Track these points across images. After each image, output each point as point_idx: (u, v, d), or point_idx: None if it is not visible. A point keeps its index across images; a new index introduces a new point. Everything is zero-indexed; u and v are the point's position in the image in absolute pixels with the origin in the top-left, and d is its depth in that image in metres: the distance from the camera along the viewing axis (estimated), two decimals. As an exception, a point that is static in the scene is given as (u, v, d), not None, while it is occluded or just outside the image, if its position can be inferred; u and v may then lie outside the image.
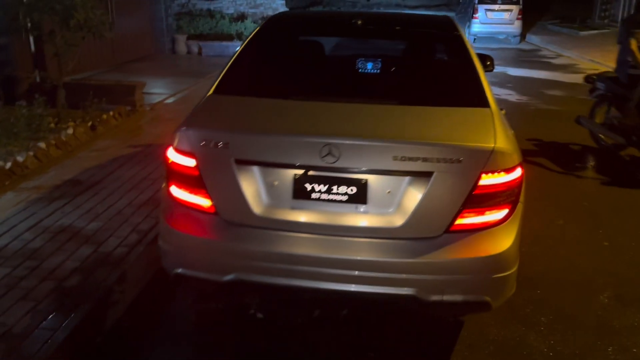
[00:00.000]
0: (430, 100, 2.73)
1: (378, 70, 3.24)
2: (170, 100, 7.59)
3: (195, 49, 12.06)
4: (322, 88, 2.98)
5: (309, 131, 2.40)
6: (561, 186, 5.12)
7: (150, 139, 5.70)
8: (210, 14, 16.28)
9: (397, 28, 3.58)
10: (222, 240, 2.41)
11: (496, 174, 2.28)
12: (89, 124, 5.70)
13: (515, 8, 16.63)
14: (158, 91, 8.01)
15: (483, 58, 3.62)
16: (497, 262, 2.34)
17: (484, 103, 2.66)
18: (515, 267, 2.41)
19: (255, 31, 3.32)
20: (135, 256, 3.27)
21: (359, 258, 2.31)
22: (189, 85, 8.55)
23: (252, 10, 17.71)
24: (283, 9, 18.95)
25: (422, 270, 2.30)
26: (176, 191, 2.50)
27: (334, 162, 2.27)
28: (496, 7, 16.79)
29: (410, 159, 2.26)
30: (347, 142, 2.29)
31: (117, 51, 9.85)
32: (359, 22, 3.33)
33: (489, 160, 2.26)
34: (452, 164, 2.25)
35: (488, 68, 3.78)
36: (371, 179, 2.33)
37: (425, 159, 2.26)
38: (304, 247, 2.36)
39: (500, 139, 2.34)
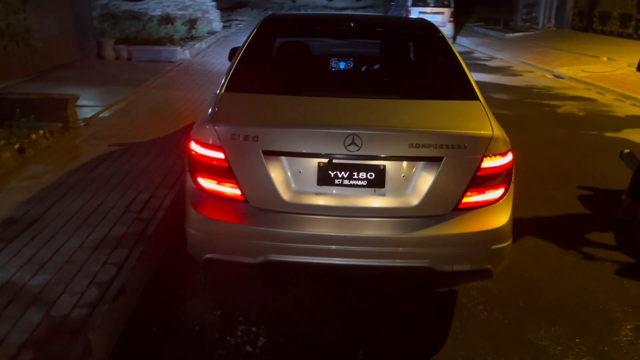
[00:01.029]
0: (427, 94, 3.06)
1: (377, 68, 3.76)
2: (105, 114, 6.81)
3: (124, 54, 11.14)
4: (328, 85, 3.31)
5: (334, 123, 2.63)
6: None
7: (91, 161, 4.99)
8: (136, 15, 15.27)
9: (389, 30, 3.96)
10: (253, 225, 2.59)
11: (494, 157, 2.62)
12: (16, 146, 4.90)
13: (447, 11, 16.93)
14: (90, 103, 7.20)
15: None
16: (497, 234, 2.66)
17: (474, 96, 3.00)
18: (511, 239, 2.74)
19: (254, 33, 3.47)
20: (98, 319, 2.68)
21: (379, 235, 2.58)
22: (125, 96, 7.78)
23: (181, 12, 16.82)
24: (214, 11, 18.22)
25: (435, 244, 2.61)
26: (204, 182, 2.68)
27: (357, 151, 2.53)
28: (429, 9, 17.01)
29: (424, 146, 2.54)
30: (369, 132, 2.55)
31: (38, 58, 8.83)
32: (352, 24, 3.67)
33: (489, 146, 2.61)
34: (459, 149, 2.56)
35: None
36: (388, 165, 2.60)
37: (436, 146, 2.55)
38: (329, 228, 2.60)
39: (496, 128, 2.70)
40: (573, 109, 8.48)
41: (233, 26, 21.14)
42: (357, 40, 4.44)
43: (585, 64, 12.47)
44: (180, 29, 14.52)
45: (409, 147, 2.54)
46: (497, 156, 2.63)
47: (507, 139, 2.74)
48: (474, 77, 3.24)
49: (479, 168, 2.60)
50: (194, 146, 2.69)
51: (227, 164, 2.60)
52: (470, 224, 2.63)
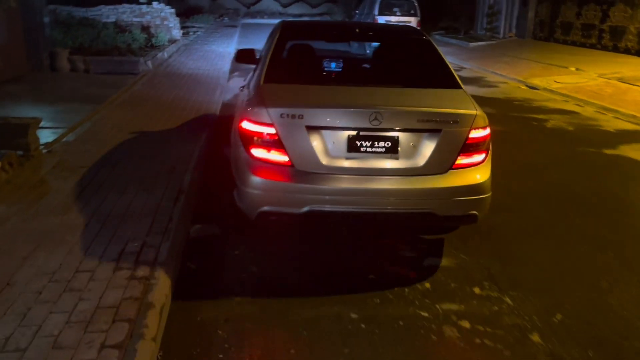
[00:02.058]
0: (422, 84, 3.88)
1: (379, 64, 4.75)
2: (70, 138, 6.03)
3: (81, 66, 10.23)
4: (346, 77, 4.46)
5: (362, 104, 3.39)
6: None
7: (63, 200, 4.27)
8: (89, 22, 14.26)
9: (385, 34, 5.07)
10: (299, 183, 3.30)
11: (478, 130, 3.40)
12: (-30, 184, 4.13)
13: (413, 20, 16.81)
14: (50, 124, 6.39)
15: None
16: (480, 187, 3.45)
17: (458, 86, 3.83)
18: (490, 192, 3.53)
19: (277, 36, 4.19)
20: None
21: (394, 188, 3.34)
22: (89, 114, 6.99)
23: (137, 20, 15.84)
24: (173, 18, 17.34)
25: (436, 195, 3.37)
26: (257, 152, 3.37)
27: (379, 125, 3.29)
28: (395, 18, 16.85)
29: (428, 121, 3.34)
30: (389, 110, 3.33)
31: (-17, 71, 7.89)
32: (357, 30, 5.15)
33: (474, 121, 3.38)
34: (453, 124, 3.34)
35: None
36: (401, 135, 3.36)
37: (437, 121, 3.33)
38: (356, 184, 3.32)
39: (478, 109, 3.48)
40: (560, 123, 8.31)
41: (191, 33, 20.30)
42: (358, 42, 5.62)
43: (556, 75, 12.50)
44: (139, 37, 13.63)
45: (417, 122, 3.37)
46: (480, 129, 3.44)
47: (486, 117, 3.53)
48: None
49: (467, 138, 3.39)
50: (247, 125, 3.40)
51: (277, 137, 3.31)
52: (462, 179, 3.43)
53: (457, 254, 3.96)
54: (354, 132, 3.35)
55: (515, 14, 19.50)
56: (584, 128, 8.03)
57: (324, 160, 3.35)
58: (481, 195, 3.51)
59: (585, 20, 15.78)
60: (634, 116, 8.65)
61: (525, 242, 4.23)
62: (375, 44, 5.55)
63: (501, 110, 9.17)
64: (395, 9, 17.37)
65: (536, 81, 11.92)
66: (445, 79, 3.93)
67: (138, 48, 12.81)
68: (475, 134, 3.42)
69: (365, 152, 3.39)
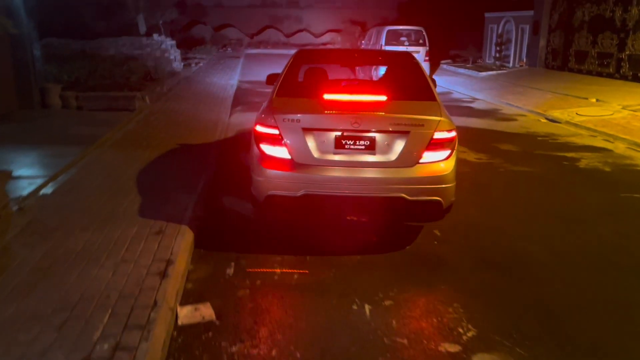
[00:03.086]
0: (404, 97, 4.74)
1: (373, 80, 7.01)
2: (48, 190, 5.32)
3: (73, 102, 9.62)
4: (340, 90, 5.12)
5: (346, 110, 4.30)
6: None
7: (25, 277, 3.52)
8: (87, 55, 13.76)
9: (380, 58, 6.77)
10: (297, 172, 4.25)
11: (443, 132, 4.25)
12: None
13: (422, 50, 16.25)
14: (29, 173, 5.70)
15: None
16: (443, 178, 4.27)
17: (433, 99, 4.68)
18: (453, 183, 4.36)
19: (290, 61, 5.25)
20: None
21: (371, 177, 4.23)
22: (74, 159, 6.30)
23: (138, 52, 15.35)
24: (174, 50, 16.88)
25: (406, 183, 4.22)
26: (266, 148, 4.30)
27: (359, 127, 4.20)
28: (403, 49, 16.28)
29: (398, 124, 4.22)
30: (367, 115, 4.26)
31: (-36, 112, 7.25)
32: (356, 55, 6.92)
33: (438, 125, 4.24)
34: (420, 127, 4.23)
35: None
36: (378, 136, 4.24)
37: (406, 125, 4.22)
38: (341, 173, 4.23)
39: (444, 116, 4.34)
40: (594, 162, 7.56)
41: (193, 64, 19.85)
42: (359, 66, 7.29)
43: (576, 106, 11.81)
44: (138, 70, 13.09)
45: (389, 125, 4.19)
46: (444, 132, 4.21)
47: (451, 122, 4.32)
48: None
49: (432, 138, 4.19)
50: (259, 128, 4.31)
51: (280, 137, 4.22)
52: (428, 171, 4.22)
53: (511, 347, 3.17)
54: (339, 133, 4.22)
55: (526, 43, 18.97)
56: (621, 169, 7.28)
57: (316, 155, 4.23)
58: (443, 184, 4.28)
59: (601, 49, 15.19)
60: (672, 154, 7.91)
61: (592, 327, 3.43)
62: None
63: (525, 148, 8.44)
64: (403, 39, 16.85)
65: (556, 113, 11.24)
66: (424, 94, 4.77)
67: (137, 82, 12.26)
68: (439, 135, 4.23)
69: (349, 148, 4.25)
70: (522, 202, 5.85)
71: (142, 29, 15.28)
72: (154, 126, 8.65)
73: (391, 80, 5.69)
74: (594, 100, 12.46)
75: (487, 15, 22.04)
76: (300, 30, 36.56)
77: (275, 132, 4.22)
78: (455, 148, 4.35)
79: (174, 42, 16.11)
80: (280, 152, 4.24)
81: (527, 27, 18.81)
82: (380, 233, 4.93)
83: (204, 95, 12.90)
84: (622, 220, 5.34)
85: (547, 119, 11.13)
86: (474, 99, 14.15)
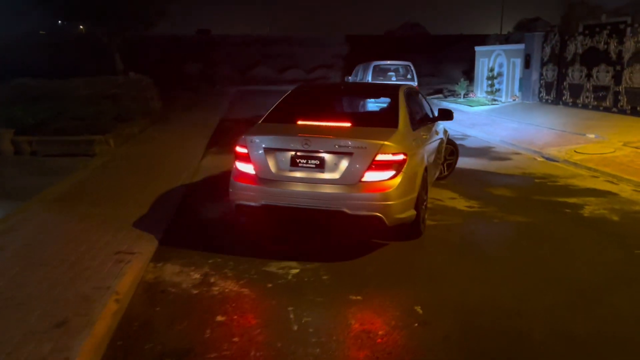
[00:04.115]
0: (369, 124, 5.58)
1: (349, 110, 6.85)
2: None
3: (27, 148, 8.82)
4: (317, 118, 5.44)
5: (298, 134, 4.99)
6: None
7: None
8: (59, 96, 13.03)
9: (372, 91, 7.38)
10: (259, 186, 4.96)
11: (386, 155, 4.78)
12: None
13: (411, 85, 15.62)
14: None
15: (444, 112, 6.93)
16: (384, 196, 4.74)
17: (395, 125, 5.24)
18: (396, 201, 4.80)
19: (287, 94, 6.12)
20: None
21: (320, 192, 4.80)
22: (4, 217, 5.42)
23: (114, 91, 14.67)
24: (153, 88, 16.23)
25: (347, 198, 4.75)
26: (239, 165, 5.13)
27: (309, 148, 4.85)
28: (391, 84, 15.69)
29: (343, 147, 4.79)
30: (316, 138, 4.90)
31: None
32: (342, 87, 7.75)
33: (381, 148, 4.77)
34: (362, 149, 4.77)
35: (448, 118, 6.93)
36: (327, 156, 4.84)
37: (350, 147, 4.78)
38: (295, 187, 4.88)
39: (391, 140, 4.88)
40: (600, 209, 6.73)
41: (177, 102, 19.19)
42: (348, 97, 7.17)
43: (575, 143, 11.08)
44: (111, 110, 12.35)
45: (335, 147, 4.83)
46: (388, 154, 4.79)
47: (401, 148, 4.90)
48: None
49: (373, 160, 4.77)
50: (237, 148, 5.14)
51: (248, 155, 5.04)
52: (369, 189, 4.78)
53: None
54: (293, 153, 4.87)
55: (518, 76, 18.43)
56: (632, 217, 6.44)
57: (274, 171, 4.91)
58: (384, 202, 4.72)
59: (596, 82, 14.58)
60: (685, 198, 7.09)
61: None
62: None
63: (521, 192, 7.61)
64: (390, 74, 16.29)
65: (554, 152, 10.47)
66: (389, 122, 5.29)
67: (107, 123, 11.49)
68: (381, 157, 4.73)
69: (302, 166, 4.87)
70: (521, 264, 4.96)
71: (119, 67, 14.60)
72: (110, 174, 7.81)
73: (366, 108, 6.50)
74: (592, 136, 11.75)
75: (477, 49, 21.62)
76: (292, 67, 36.32)
77: (245, 151, 5.06)
78: (403, 170, 4.87)
79: (151, 80, 15.42)
80: (248, 168, 5.06)
81: (519, 61, 18.30)
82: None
83: (178, 135, 12.14)
84: (637, 287, 4.46)
85: (543, 157, 10.36)
86: (466, 136, 13.41)
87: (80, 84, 14.25)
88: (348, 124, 5.23)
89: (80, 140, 9.18)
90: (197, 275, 4.57)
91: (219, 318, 3.86)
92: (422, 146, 5.64)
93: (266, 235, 5.64)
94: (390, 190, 4.73)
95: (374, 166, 4.74)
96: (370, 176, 4.75)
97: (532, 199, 7.32)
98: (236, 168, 5.14)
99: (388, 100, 5.87)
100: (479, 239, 5.69)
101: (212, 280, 4.49)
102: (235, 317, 3.89)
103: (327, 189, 4.77)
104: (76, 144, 9.07)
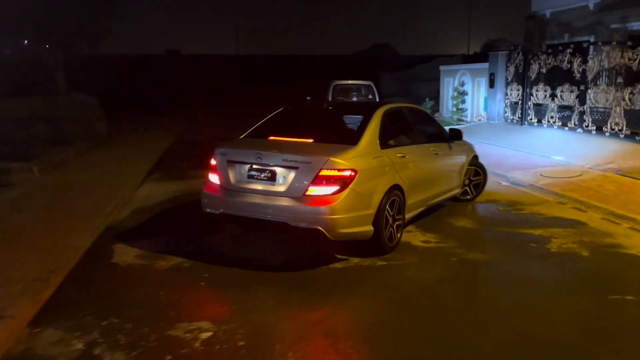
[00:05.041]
0: (329, 140, 5.50)
1: (323, 128, 6.09)
2: None
3: None
4: (284, 134, 5.75)
5: (253, 149, 5.32)
6: None
7: None
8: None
9: (353, 109, 7.24)
10: (221, 195, 5.39)
11: (331, 170, 4.94)
12: None
13: (372, 105, 15.04)
14: None
15: (453, 131, 7.34)
16: (325, 210, 4.87)
17: (355, 143, 5.35)
18: (340, 216, 4.92)
19: (274, 113, 6.42)
20: None
21: (270, 204, 5.10)
22: None
23: (55, 113, 13.60)
24: (98, 110, 15.19)
25: (290, 211, 4.98)
26: (210, 175, 5.62)
27: (261, 161, 5.19)
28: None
29: (289, 161, 5.07)
30: (266, 153, 5.23)
31: None
32: (325, 106, 7.13)
33: (325, 164, 4.95)
34: (307, 164, 4.99)
35: (457, 139, 7.28)
36: (278, 169, 5.13)
37: (296, 162, 5.05)
38: (249, 198, 5.22)
39: (339, 156, 5.03)
40: (567, 243, 6.06)
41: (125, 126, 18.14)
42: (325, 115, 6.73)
43: (541, 166, 10.52)
44: (45, 133, 11.33)
45: (282, 161, 5.11)
46: (332, 170, 4.95)
47: (348, 164, 5.02)
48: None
49: (317, 174, 4.94)
50: (211, 160, 5.59)
51: (215, 167, 5.51)
52: (312, 202, 4.93)
53: None
54: (249, 165, 5.29)
55: (483, 96, 18.05)
56: (602, 252, 5.79)
57: (233, 182, 5.38)
58: (325, 215, 4.89)
59: (561, 101, 14.19)
60: (659, 228, 6.50)
61: None
62: None
63: (484, 223, 6.93)
64: (352, 94, 15.68)
65: (519, 175, 9.87)
66: (351, 139, 5.43)
67: (40, 147, 10.48)
68: (325, 173, 4.95)
69: (257, 178, 5.26)
70: (479, 320, 4.19)
71: (61, 87, 13.58)
72: (20, 209, 6.83)
73: (338, 126, 6.28)
74: (559, 158, 11.24)
75: (442, 68, 21.27)
76: (259, 86, 35.53)
77: (214, 162, 5.52)
78: (351, 186, 4.98)
79: (97, 100, 14.42)
80: (215, 178, 5.51)
81: (484, 80, 17.94)
82: None
83: (119, 160, 11.17)
84: (618, 344, 3.74)
85: (508, 181, 9.75)
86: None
87: (17, 105, 13.17)
88: (310, 140, 5.46)
89: (-4, 168, 8.16)
90: (79, 345, 3.65)
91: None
92: (399, 165, 5.71)
93: (186, 292, 4.76)
94: (333, 204, 4.88)
95: (318, 180, 4.93)
96: (314, 190, 4.95)
97: (496, 230, 6.62)
98: (207, 178, 5.67)
99: (361, 118, 5.86)
100: (432, 285, 4.91)
101: (96, 351, 3.58)
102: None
103: (275, 201, 5.06)
104: (-10, 172, 8.05)
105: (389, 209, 5.42)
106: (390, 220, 5.51)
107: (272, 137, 5.69)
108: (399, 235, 5.71)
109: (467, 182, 7.90)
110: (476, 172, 8.09)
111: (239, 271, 5.14)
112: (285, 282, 4.93)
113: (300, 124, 6.35)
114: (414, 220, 6.51)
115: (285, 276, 5.06)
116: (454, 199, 7.78)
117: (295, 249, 5.79)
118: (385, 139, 5.71)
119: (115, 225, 6.62)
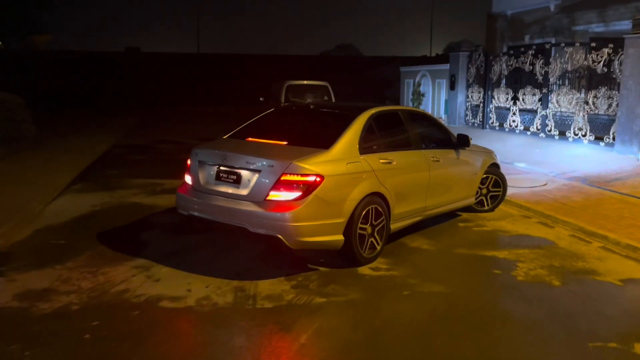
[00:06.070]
0: (303, 143, 5.24)
1: (303, 130, 5.87)
2: None
3: None
4: (259, 135, 5.64)
5: (222, 150, 5.21)
6: None
7: None
8: None
9: (332, 111, 6.41)
10: (190, 196, 5.26)
11: (292, 175, 4.70)
12: None
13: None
14: None
15: (461, 137, 6.85)
16: (285, 217, 4.61)
17: (328, 147, 5.05)
18: (302, 223, 4.65)
19: (263, 114, 6.34)
20: None
21: (233, 207, 4.89)
22: None
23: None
24: (23, 110, 13.75)
25: (250, 215, 4.76)
26: (185, 176, 5.49)
27: (227, 163, 5.07)
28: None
29: (252, 164, 4.90)
30: (230, 154, 5.08)
31: None
32: (312, 107, 6.60)
33: (288, 168, 4.70)
34: (270, 167, 4.78)
35: (464, 145, 6.82)
36: (243, 172, 4.95)
37: (258, 165, 4.86)
38: (215, 201, 5.05)
39: (304, 161, 4.75)
40: (537, 268, 5.30)
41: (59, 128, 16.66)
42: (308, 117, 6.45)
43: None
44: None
45: (246, 163, 4.93)
46: (295, 175, 4.69)
47: (310, 167, 4.73)
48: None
49: (279, 179, 4.71)
50: (188, 160, 5.45)
51: (189, 167, 5.40)
52: (273, 208, 4.69)
53: None
54: (217, 167, 5.15)
55: (443, 98, 17.45)
56: (575, 280, 5.03)
57: (202, 183, 5.23)
58: (284, 222, 4.63)
59: (523, 105, 13.68)
60: (633, 248, 5.82)
61: None
62: None
63: (442, 244, 6.10)
64: (307, 95, 14.76)
65: (480, 185, 9.15)
66: (325, 142, 5.13)
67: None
68: (287, 177, 4.68)
69: (224, 180, 5.09)
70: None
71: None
72: None
73: (318, 129, 5.87)
74: (521, 165, 10.62)
75: (402, 69, 20.65)
76: (221, 86, 34.16)
77: (189, 162, 5.47)
78: (316, 192, 4.70)
79: (22, 100, 13.00)
80: (188, 179, 5.47)
81: (444, 82, 17.35)
82: None
83: (39, 167, 9.90)
84: None
85: (469, 191, 9.01)
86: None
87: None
88: (284, 143, 5.34)
89: None
90: None
91: None
92: (383, 171, 5.37)
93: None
94: (294, 210, 4.64)
95: (279, 185, 4.73)
96: (275, 195, 4.75)
97: (455, 253, 5.80)
98: (183, 179, 5.58)
99: (344, 121, 5.48)
100: (378, 331, 4.01)
101: None
102: None
103: (237, 205, 4.88)
104: None
105: (369, 218, 5.16)
106: (369, 229, 5.18)
107: (249, 139, 5.57)
108: (380, 245, 5.34)
109: (485, 191, 7.42)
110: (496, 182, 7.48)
111: (139, 316, 4.12)
112: (189, 326, 3.94)
113: (284, 125, 6.19)
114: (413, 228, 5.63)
115: (194, 317, 4.07)
116: (468, 208, 7.26)
117: (237, 270, 4.79)
118: (368, 144, 5.39)
119: (5, 250, 5.49)
